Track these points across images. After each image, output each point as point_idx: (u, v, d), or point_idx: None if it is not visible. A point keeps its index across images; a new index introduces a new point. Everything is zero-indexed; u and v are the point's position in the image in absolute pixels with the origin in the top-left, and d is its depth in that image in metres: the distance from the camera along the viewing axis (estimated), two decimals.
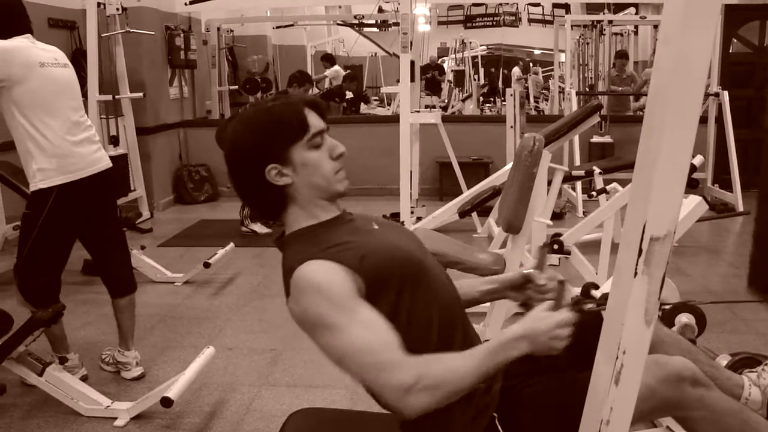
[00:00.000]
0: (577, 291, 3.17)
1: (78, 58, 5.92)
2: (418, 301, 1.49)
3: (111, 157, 3.17)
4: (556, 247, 3.53)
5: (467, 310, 1.67)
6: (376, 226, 1.64)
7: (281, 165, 1.50)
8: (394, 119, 5.96)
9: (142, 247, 4.80)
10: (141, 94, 6.50)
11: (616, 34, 10.48)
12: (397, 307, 1.46)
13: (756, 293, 4.22)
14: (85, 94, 3.21)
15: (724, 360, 2.27)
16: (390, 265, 1.49)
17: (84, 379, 3.15)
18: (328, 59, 11.85)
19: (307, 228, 1.56)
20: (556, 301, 1.46)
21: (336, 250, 1.46)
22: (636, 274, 1.08)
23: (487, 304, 3.15)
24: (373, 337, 1.36)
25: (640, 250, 1.07)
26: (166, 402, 2.65)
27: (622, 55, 8.65)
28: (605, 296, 1.30)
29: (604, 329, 1.21)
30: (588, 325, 1.73)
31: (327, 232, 1.54)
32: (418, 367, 1.34)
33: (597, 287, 2.83)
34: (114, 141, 6.38)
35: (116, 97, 6.29)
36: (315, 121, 1.53)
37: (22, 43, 2.88)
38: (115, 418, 2.85)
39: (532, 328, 1.39)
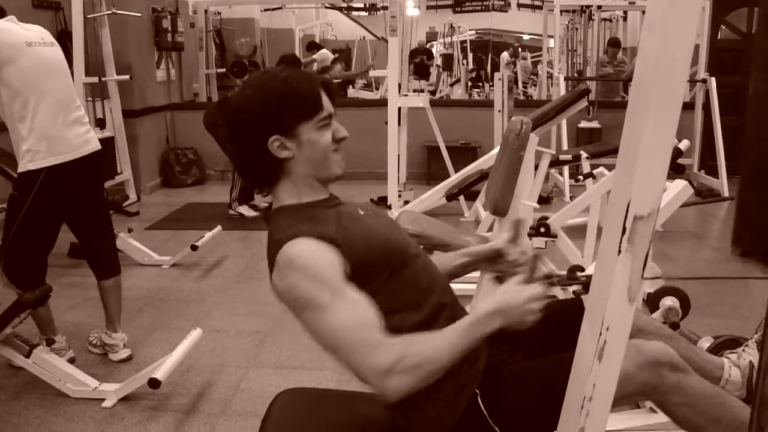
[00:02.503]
0: (562, 274, 3.19)
1: (63, 40, 5.86)
2: (402, 287, 1.51)
3: (98, 140, 3.15)
4: (542, 230, 3.55)
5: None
6: (362, 212, 1.65)
7: (285, 138, 1.49)
8: (382, 103, 5.96)
9: (130, 230, 4.78)
10: (127, 77, 6.46)
11: (605, 19, 10.47)
12: (380, 292, 1.47)
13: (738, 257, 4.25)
14: (71, 76, 3.18)
15: (706, 342, 2.31)
16: (376, 250, 1.50)
17: (71, 361, 3.15)
18: (314, 47, 11.77)
19: (297, 205, 1.56)
20: (529, 274, 1.47)
21: (325, 230, 1.47)
22: (620, 252, 1.10)
23: (473, 286, 3.19)
24: (357, 318, 1.37)
25: (624, 229, 1.09)
26: (154, 383, 2.66)
27: (614, 44, 8.64)
28: (590, 277, 1.32)
29: (588, 306, 1.22)
30: (569, 308, 1.75)
31: (316, 212, 1.54)
32: (398, 348, 1.35)
33: (582, 270, 2.86)
34: (100, 124, 6.35)
35: (102, 79, 6.24)
36: (327, 103, 1.53)
37: (5, 24, 2.86)
38: (103, 400, 2.86)
39: (504, 303, 1.40)
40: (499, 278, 1.72)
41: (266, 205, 1.57)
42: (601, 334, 1.14)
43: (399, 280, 1.51)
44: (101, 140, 3.23)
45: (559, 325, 1.59)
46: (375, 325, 1.37)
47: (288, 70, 1.53)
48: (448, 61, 12.63)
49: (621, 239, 1.09)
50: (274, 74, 1.52)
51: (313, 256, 1.41)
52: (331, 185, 1.63)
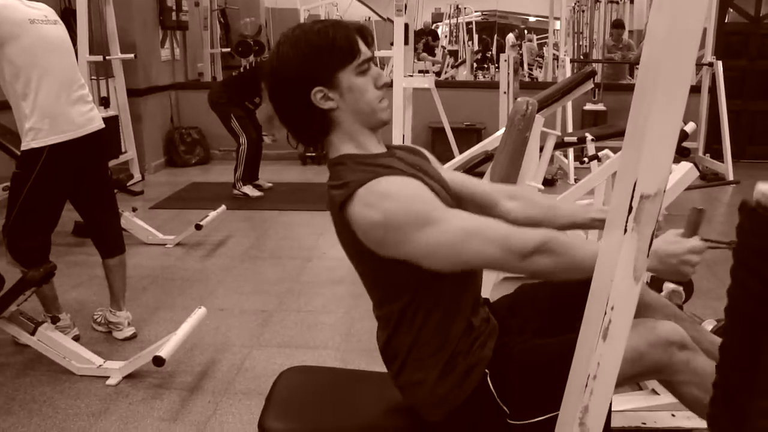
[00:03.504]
0: None
1: (67, 18, 5.82)
2: None
3: (102, 119, 3.14)
4: None
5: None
6: (433, 162, 1.68)
7: (327, 88, 1.48)
8: (388, 84, 5.94)
9: (134, 209, 4.79)
10: (132, 56, 6.44)
11: (611, 1, 10.39)
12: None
13: None
14: (75, 54, 3.17)
15: (709, 325, 2.31)
16: (444, 198, 1.50)
17: (76, 339, 3.17)
18: None
19: (360, 155, 1.53)
20: (690, 228, 1.42)
21: (409, 171, 1.48)
22: (626, 231, 1.09)
23: None
24: (480, 219, 1.40)
25: (630, 208, 1.08)
26: (158, 361, 2.67)
27: (617, 25, 8.58)
28: None
29: (593, 285, 1.22)
30: (578, 287, 1.75)
31: (386, 161, 1.52)
32: (542, 233, 1.37)
33: None
34: (104, 102, 6.34)
35: (107, 58, 6.23)
36: (363, 48, 1.51)
37: (8, 1, 2.84)
38: (108, 377, 2.88)
39: (664, 249, 1.39)
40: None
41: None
42: (605, 313, 1.14)
43: None
44: (105, 119, 3.23)
45: (569, 303, 1.59)
46: (499, 222, 1.40)
47: (320, 21, 1.52)
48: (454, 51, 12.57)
49: (627, 218, 1.09)
50: (307, 27, 1.51)
51: (414, 185, 1.41)
52: None
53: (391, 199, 1.38)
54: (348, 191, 1.42)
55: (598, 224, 1.75)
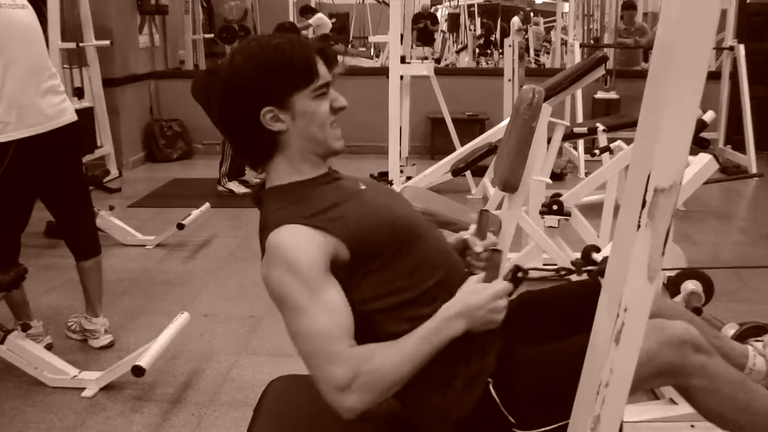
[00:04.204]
0: (576, 255, 3.19)
1: (37, 2, 5.79)
2: (408, 266, 1.51)
3: (75, 111, 3.13)
4: (555, 208, 3.54)
5: None
6: (363, 187, 1.64)
7: (279, 109, 1.48)
8: (383, 71, 5.93)
9: (111, 208, 4.79)
10: (107, 42, 6.43)
11: None
12: (385, 270, 1.47)
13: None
14: (45, 41, 3.16)
15: (731, 329, 2.31)
16: (379, 230, 1.49)
17: (49, 347, 3.16)
18: (309, 11, 11.68)
19: (290, 184, 1.55)
20: (490, 271, 1.47)
21: (318, 214, 1.47)
22: (639, 227, 1.09)
23: None
24: (324, 325, 1.39)
25: (644, 202, 1.08)
26: (138, 371, 2.67)
27: (629, 6, 8.58)
28: (606, 259, 1.31)
29: (605, 286, 1.22)
30: (586, 290, 1.75)
31: (311, 191, 1.53)
32: (354, 362, 1.36)
33: (598, 250, 2.86)
34: (78, 93, 6.32)
35: (80, 45, 6.21)
36: (323, 70, 1.52)
37: None
38: (83, 389, 2.87)
39: (467, 304, 1.42)
40: (468, 272, 1.70)
41: (258, 180, 1.58)
42: (618, 315, 1.14)
43: (406, 258, 1.50)
44: (79, 111, 3.22)
45: (577, 307, 1.60)
46: (340, 335, 1.39)
47: (280, 36, 1.52)
48: (454, 22, 12.55)
49: (640, 213, 1.09)
50: (264, 41, 1.51)
51: (297, 249, 1.41)
52: (330, 160, 1.63)
53: (273, 261, 1.43)
54: (262, 238, 1.49)
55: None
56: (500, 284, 1.42)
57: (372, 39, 9.10)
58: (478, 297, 1.41)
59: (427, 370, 1.43)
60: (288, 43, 1.49)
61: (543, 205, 3.65)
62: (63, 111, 3.03)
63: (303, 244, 1.41)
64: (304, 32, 10.96)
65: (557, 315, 1.61)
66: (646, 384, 1.59)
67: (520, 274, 1.49)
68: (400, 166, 5.73)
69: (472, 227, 1.72)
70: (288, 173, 1.55)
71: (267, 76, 1.47)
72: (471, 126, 7.28)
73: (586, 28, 10.00)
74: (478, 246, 1.67)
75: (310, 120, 1.50)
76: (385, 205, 1.59)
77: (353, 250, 1.45)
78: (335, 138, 1.55)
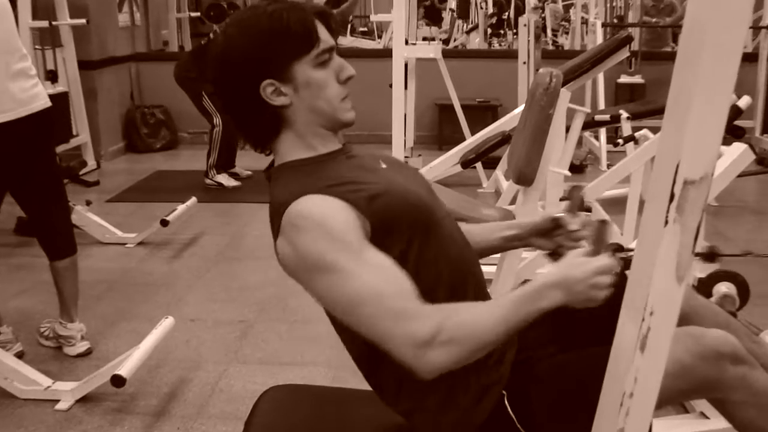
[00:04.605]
0: None
1: None
2: (426, 253, 1.50)
3: (48, 96, 3.13)
4: None
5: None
6: (383, 165, 1.64)
7: (280, 82, 1.48)
8: (386, 53, 5.92)
9: (88, 203, 4.79)
10: (83, 21, 6.43)
11: None
12: (404, 257, 1.46)
13: None
14: (15, 20, 3.16)
15: None
16: (400, 210, 1.49)
17: (19, 355, 3.16)
18: None
19: (304, 160, 1.55)
20: (596, 244, 1.43)
21: (340, 186, 1.46)
22: (667, 222, 1.09)
23: (493, 267, 3.19)
24: (386, 282, 1.36)
25: (672, 195, 1.08)
26: (118, 381, 2.67)
27: None
28: (631, 257, 1.31)
29: (629, 288, 1.22)
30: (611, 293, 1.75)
31: (328, 166, 1.53)
32: (438, 317, 1.33)
33: (622, 249, 2.86)
34: (52, 77, 6.32)
35: (53, 23, 6.21)
36: (324, 35, 1.51)
37: None
38: (57, 401, 2.87)
39: (568, 275, 1.37)
40: (555, 254, 1.70)
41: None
42: (643, 319, 1.14)
43: (423, 246, 1.50)
44: (52, 96, 3.22)
45: (600, 309, 1.60)
46: (408, 291, 1.36)
47: (275, 2, 1.51)
48: (463, 5, 12.52)
49: (668, 207, 1.09)
50: (259, 9, 1.50)
51: (328, 213, 1.40)
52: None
53: (300, 230, 1.40)
54: (278, 213, 1.46)
55: (513, 243, 1.80)
56: (605, 259, 1.37)
57: (374, 18, 9.07)
58: (580, 270, 1.36)
59: (431, 384, 1.43)
60: (284, 9, 1.48)
61: (561, 199, 3.64)
62: (35, 96, 3.03)
63: (334, 209, 1.41)
64: None
65: (578, 318, 1.61)
66: (678, 398, 1.59)
67: (621, 254, 1.47)
68: (405, 157, 5.72)
69: (562, 207, 1.72)
70: (298, 149, 1.55)
71: (263, 46, 1.47)
72: (482, 113, 7.28)
73: (608, 5, 9.98)
74: (574, 223, 1.67)
75: (316, 90, 1.50)
76: (406, 186, 1.58)
77: (375, 229, 1.44)
78: (344, 109, 1.54)
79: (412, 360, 1.33)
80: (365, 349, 1.49)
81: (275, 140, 1.56)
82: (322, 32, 1.51)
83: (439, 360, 1.32)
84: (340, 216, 1.40)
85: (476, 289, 1.58)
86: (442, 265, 1.52)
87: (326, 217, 1.39)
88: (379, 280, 1.36)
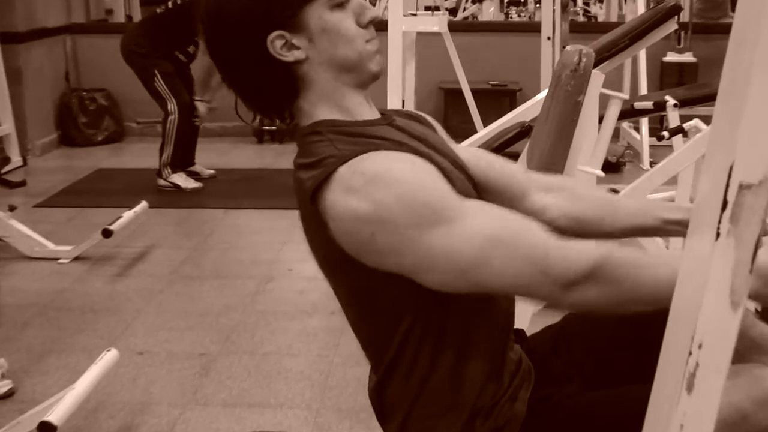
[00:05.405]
0: None
1: None
2: None
3: None
4: None
5: None
6: (440, 134, 1.69)
7: (290, 32, 1.48)
8: (381, 26, 5.94)
9: (11, 208, 4.78)
10: None
11: None
12: None
13: None
14: None
15: None
16: (467, 190, 1.51)
17: None
18: None
19: (343, 122, 1.53)
20: None
21: (407, 147, 1.47)
22: (718, 235, 1.09)
23: None
24: (512, 221, 1.39)
25: (725, 202, 1.08)
26: (47, 429, 2.66)
27: None
28: None
29: (672, 316, 1.22)
30: (649, 320, 1.75)
31: (379, 132, 1.53)
32: (598, 250, 1.35)
33: None
34: None
35: None
36: None
37: None
38: None
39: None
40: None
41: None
42: (690, 353, 1.14)
43: None
44: None
45: (636, 339, 1.60)
46: (538, 227, 1.39)
47: None
48: None
49: (720, 217, 1.09)
50: None
51: (410, 166, 1.41)
52: None
53: (384, 184, 1.36)
54: (324, 172, 1.41)
55: (673, 228, 1.74)
56: None
57: None
58: None
59: (437, 415, 1.44)
60: None
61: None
62: None
63: (417, 163, 1.42)
64: None
65: (610, 349, 1.61)
66: None
67: None
68: None
69: None
70: (325, 110, 1.55)
71: None
72: (498, 99, 7.30)
73: None
74: None
75: (335, 37, 1.50)
76: (456, 155, 1.63)
77: None
78: (370, 55, 1.54)
79: (561, 294, 1.35)
80: (392, 355, 1.52)
81: (293, 104, 1.56)
82: None
83: (592, 298, 1.35)
84: (431, 168, 1.42)
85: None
86: None
87: (418, 169, 1.40)
88: (503, 221, 1.38)
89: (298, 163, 1.51)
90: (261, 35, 1.47)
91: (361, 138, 1.47)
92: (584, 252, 1.34)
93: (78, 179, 6.53)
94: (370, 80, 1.57)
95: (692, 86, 6.78)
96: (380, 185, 1.36)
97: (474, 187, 1.61)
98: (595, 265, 1.33)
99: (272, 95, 1.56)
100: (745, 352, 1.45)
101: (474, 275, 1.37)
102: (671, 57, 7.63)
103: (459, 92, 6.40)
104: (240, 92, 1.58)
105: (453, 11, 11.25)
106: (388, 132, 1.53)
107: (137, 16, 8.77)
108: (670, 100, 5.37)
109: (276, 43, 1.48)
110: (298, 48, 1.49)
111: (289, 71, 1.51)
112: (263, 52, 1.48)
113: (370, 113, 1.58)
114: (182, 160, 6.20)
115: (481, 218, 1.37)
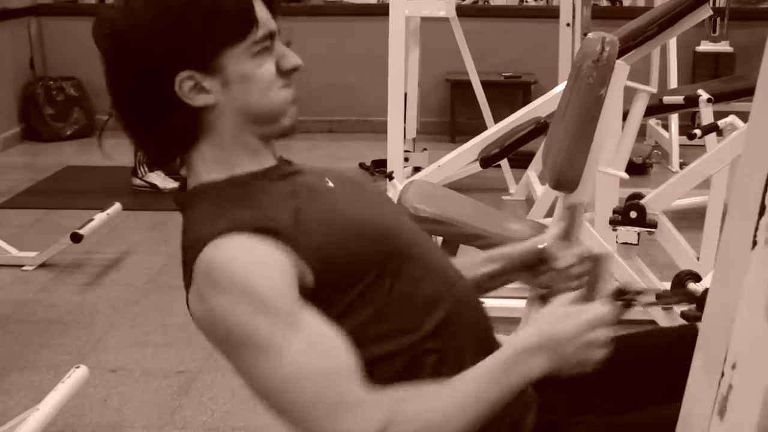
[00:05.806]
0: (665, 285, 3.20)
1: None
2: (396, 296, 1.52)
3: None
4: (634, 215, 3.56)
5: None
6: (331, 184, 1.65)
7: (202, 74, 1.47)
8: (381, 10, 5.95)
9: None
10: None
11: None
12: (363, 304, 1.49)
13: None
14: None
15: None
16: (356, 247, 1.51)
17: None
18: None
19: (227, 181, 1.55)
20: (589, 287, 1.46)
21: (272, 221, 1.46)
22: (755, 243, 1.10)
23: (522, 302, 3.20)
24: (321, 361, 1.39)
25: (763, 208, 1.09)
26: None
27: None
28: (707, 291, 1.32)
29: (703, 332, 1.23)
30: (672, 340, 1.76)
31: (258, 191, 1.54)
32: (385, 406, 1.37)
33: (698, 279, 2.87)
34: None
35: None
36: (264, 15, 1.51)
37: None
38: None
39: (551, 334, 1.39)
40: (545, 296, 1.70)
41: None
42: (723, 374, 1.15)
43: (392, 290, 1.51)
44: None
45: (656, 365, 1.61)
46: (349, 372, 1.39)
47: None
48: None
49: (757, 224, 1.10)
50: None
51: (250, 267, 1.41)
52: (294, 144, 1.64)
53: (216, 286, 1.42)
54: (190, 258, 1.49)
55: (497, 281, 1.83)
56: (601, 308, 1.39)
57: None
58: (568, 324, 1.38)
59: None
60: None
61: (615, 212, 3.66)
62: None
63: (262, 257, 1.42)
64: None
65: (632, 373, 1.62)
66: None
67: (626, 298, 1.47)
68: (405, 151, 5.72)
69: (552, 231, 1.72)
70: (220, 166, 1.56)
71: (181, 26, 1.45)
72: (510, 93, 7.32)
73: None
74: (565, 257, 1.68)
75: (250, 87, 1.51)
76: (363, 212, 1.60)
77: (319, 275, 1.45)
78: (285, 108, 1.56)
79: None
80: None
81: (189, 152, 1.57)
82: (261, 11, 1.50)
83: None
84: (268, 270, 1.42)
85: (473, 333, 1.60)
86: (422, 311, 1.54)
87: (249, 273, 1.41)
88: (313, 359, 1.39)
89: (183, 235, 1.58)
90: (170, 72, 1.46)
91: (236, 207, 1.49)
92: (375, 410, 1.37)
93: (44, 178, 6.54)
94: (279, 136, 1.59)
95: (728, 79, 6.78)
96: (209, 289, 1.43)
97: (399, 228, 1.64)
98: (381, 425, 1.36)
99: (167, 139, 1.57)
100: None
101: (274, 407, 1.43)
102: (705, 46, 7.63)
103: (468, 84, 6.41)
104: (130, 127, 1.58)
105: None
106: (268, 192, 1.54)
107: None
108: (704, 95, 5.37)
109: (185, 84, 1.47)
110: (208, 92, 1.49)
111: (192, 116, 1.51)
112: (168, 91, 1.47)
113: (263, 162, 1.59)
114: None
115: (294, 356, 1.38)
